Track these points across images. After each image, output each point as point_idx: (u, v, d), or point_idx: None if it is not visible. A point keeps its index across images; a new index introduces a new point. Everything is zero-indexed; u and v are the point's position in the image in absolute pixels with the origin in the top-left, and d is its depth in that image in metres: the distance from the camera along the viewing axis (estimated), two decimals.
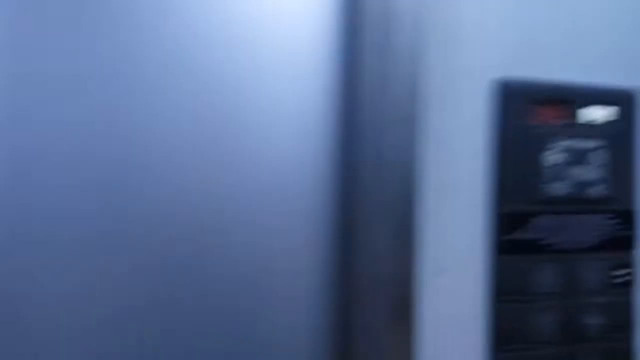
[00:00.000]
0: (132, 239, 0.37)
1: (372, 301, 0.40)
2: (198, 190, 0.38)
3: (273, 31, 0.39)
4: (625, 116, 0.45)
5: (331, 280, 0.42)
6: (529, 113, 0.42)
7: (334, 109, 0.42)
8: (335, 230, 0.42)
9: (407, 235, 0.39)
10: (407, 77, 0.38)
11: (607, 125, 0.44)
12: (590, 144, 0.43)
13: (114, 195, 0.37)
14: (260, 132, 0.40)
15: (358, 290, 0.42)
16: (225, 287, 0.39)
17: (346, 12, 0.41)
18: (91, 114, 0.36)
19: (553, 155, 0.42)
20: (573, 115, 0.43)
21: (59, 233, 0.36)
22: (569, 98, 0.43)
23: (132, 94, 0.37)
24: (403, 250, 0.39)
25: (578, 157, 0.43)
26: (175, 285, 0.38)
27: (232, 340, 0.40)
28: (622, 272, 0.45)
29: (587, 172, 0.43)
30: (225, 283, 0.39)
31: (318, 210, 0.42)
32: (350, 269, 0.42)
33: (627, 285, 0.45)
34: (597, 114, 0.44)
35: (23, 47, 0.35)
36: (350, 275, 0.41)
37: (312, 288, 0.41)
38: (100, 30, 0.36)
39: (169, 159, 0.38)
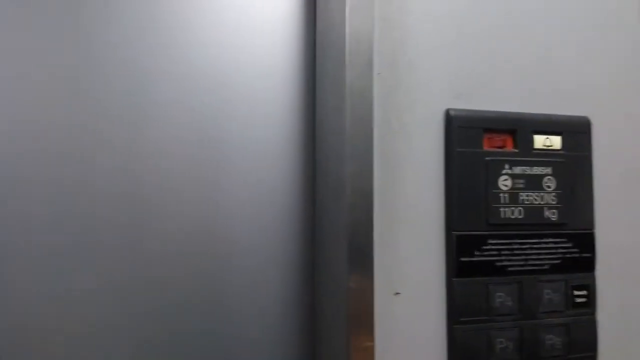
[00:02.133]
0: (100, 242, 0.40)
1: (333, 320, 0.41)
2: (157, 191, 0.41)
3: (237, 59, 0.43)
4: (581, 143, 0.48)
5: (297, 291, 0.44)
6: (478, 141, 0.44)
7: (297, 140, 0.44)
8: (300, 248, 0.44)
9: (367, 261, 0.41)
10: (360, 109, 0.41)
11: (562, 151, 0.47)
12: (543, 169, 0.46)
13: (86, 196, 0.40)
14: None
15: (321, 311, 0.43)
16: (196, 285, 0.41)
17: (305, 43, 0.45)
18: (59, 118, 0.40)
19: (504, 181, 0.44)
20: (523, 143, 0.46)
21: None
22: (521, 126, 0.46)
23: (99, 95, 0.40)
24: (361, 275, 0.40)
25: (531, 183, 0.45)
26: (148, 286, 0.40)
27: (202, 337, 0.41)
28: (579, 293, 0.46)
29: (540, 197, 0.46)
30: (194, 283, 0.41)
31: (286, 238, 0.44)
32: (312, 289, 0.43)
33: (585, 306, 0.46)
34: (549, 141, 0.47)
35: None
36: (313, 295, 0.43)
37: (280, 292, 0.43)
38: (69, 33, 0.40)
39: (135, 162, 0.41)
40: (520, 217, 0.45)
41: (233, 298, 0.44)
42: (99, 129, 0.42)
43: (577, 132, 0.48)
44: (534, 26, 0.47)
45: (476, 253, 0.44)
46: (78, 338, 0.41)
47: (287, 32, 0.46)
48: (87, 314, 0.41)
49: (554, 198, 0.46)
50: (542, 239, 0.45)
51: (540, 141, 0.46)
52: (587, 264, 0.47)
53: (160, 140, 0.43)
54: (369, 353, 0.40)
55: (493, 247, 0.44)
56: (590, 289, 0.47)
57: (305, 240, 0.46)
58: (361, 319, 0.40)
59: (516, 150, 0.45)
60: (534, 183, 0.45)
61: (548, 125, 0.46)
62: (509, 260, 0.44)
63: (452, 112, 0.44)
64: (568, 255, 0.46)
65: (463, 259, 0.43)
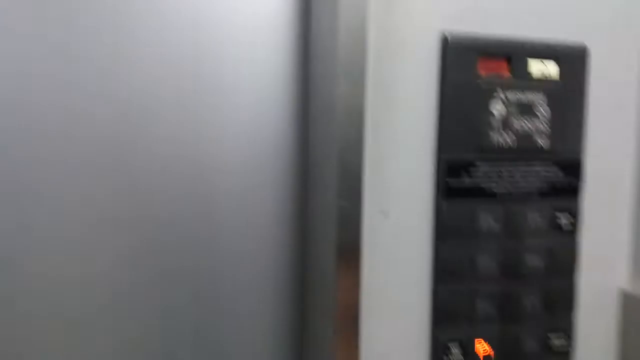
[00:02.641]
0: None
1: (323, 242, 0.43)
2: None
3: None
4: (576, 70, 0.48)
5: (289, 215, 0.45)
6: (473, 66, 0.44)
7: (290, 57, 0.44)
8: (292, 173, 0.45)
9: (356, 182, 0.42)
10: (355, 30, 0.40)
11: (557, 79, 0.47)
12: (534, 96, 0.46)
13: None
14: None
15: (311, 232, 0.45)
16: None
17: None
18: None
19: (497, 107, 0.45)
20: (518, 69, 0.46)
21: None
22: (515, 52, 0.45)
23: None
24: (350, 195, 0.42)
25: (523, 109, 0.46)
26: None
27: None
28: (563, 217, 0.48)
29: (532, 124, 0.46)
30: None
31: (277, 155, 0.45)
32: (304, 210, 0.45)
33: (569, 230, 0.48)
34: (545, 67, 0.46)
35: None
36: (304, 217, 0.45)
37: (270, 221, 0.45)
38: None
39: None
40: (510, 142, 0.45)
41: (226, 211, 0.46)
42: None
43: (573, 59, 0.47)
44: None
45: (464, 176, 0.45)
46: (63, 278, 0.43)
47: None
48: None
49: (545, 125, 0.46)
50: (530, 164, 0.46)
51: (535, 67, 0.46)
52: (572, 190, 0.48)
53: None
54: (356, 272, 0.42)
55: (481, 171, 0.45)
56: (574, 213, 0.48)
57: (297, 162, 0.47)
58: (349, 240, 0.41)
59: (510, 76, 0.45)
60: (527, 109, 0.46)
61: (544, 52, 0.46)
62: (497, 184, 0.46)
63: (448, 36, 0.44)
64: (555, 181, 0.47)
65: (451, 182, 0.44)
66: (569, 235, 0.48)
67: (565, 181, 0.48)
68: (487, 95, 0.45)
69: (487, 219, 0.45)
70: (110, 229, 0.43)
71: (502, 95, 0.45)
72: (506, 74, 0.45)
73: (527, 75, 0.46)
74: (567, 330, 0.49)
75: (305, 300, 0.48)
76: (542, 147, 0.46)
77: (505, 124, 0.45)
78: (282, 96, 0.46)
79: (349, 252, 0.41)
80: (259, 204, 0.46)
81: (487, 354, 0.46)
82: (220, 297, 0.46)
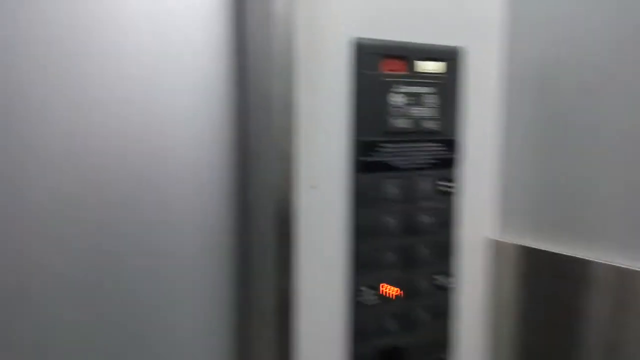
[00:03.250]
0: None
1: (261, 208, 0.52)
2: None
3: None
4: (453, 68, 0.60)
5: (229, 193, 0.54)
6: (378, 65, 0.55)
7: (225, 54, 0.52)
8: (232, 159, 0.53)
9: (288, 160, 0.51)
10: (284, 36, 0.49)
11: (439, 74, 0.59)
12: (424, 89, 0.58)
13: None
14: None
15: (251, 202, 0.54)
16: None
17: None
18: None
19: (395, 98, 0.56)
20: (412, 67, 0.57)
21: None
22: (409, 54, 0.57)
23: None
24: (284, 171, 0.51)
25: (415, 100, 0.57)
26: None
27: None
28: (446, 184, 0.61)
29: (422, 111, 0.58)
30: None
31: (218, 143, 0.53)
32: (245, 183, 0.53)
33: (449, 194, 0.62)
34: (430, 66, 0.59)
35: None
36: (246, 186, 0.53)
37: (214, 195, 0.53)
38: None
39: (58, 156, 0.46)
40: (407, 126, 0.57)
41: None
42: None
43: (453, 59, 0.60)
44: None
45: (373, 154, 0.56)
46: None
47: None
48: None
49: (432, 111, 0.59)
50: (422, 143, 0.59)
51: (425, 66, 0.58)
52: (451, 163, 0.62)
53: None
54: (289, 233, 0.51)
55: (386, 149, 0.56)
56: (453, 180, 0.62)
57: (238, 148, 0.55)
58: (284, 208, 0.51)
59: (406, 73, 0.57)
60: (419, 99, 0.58)
61: (432, 53, 0.58)
62: (398, 159, 0.57)
63: (360, 41, 0.54)
64: (439, 156, 0.60)
65: (363, 159, 0.55)
66: (449, 197, 0.62)
67: (446, 155, 0.61)
68: (388, 88, 0.56)
69: (390, 188, 0.57)
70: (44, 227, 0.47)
71: (400, 89, 0.56)
72: (403, 71, 0.57)
73: (419, 72, 0.57)
74: (449, 271, 0.63)
75: (249, 256, 0.57)
76: (430, 128, 0.59)
77: (403, 111, 0.57)
78: (222, 91, 0.53)
79: (284, 218, 0.51)
80: (204, 186, 0.54)
81: (397, 293, 0.59)
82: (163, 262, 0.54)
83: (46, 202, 0.46)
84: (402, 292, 0.59)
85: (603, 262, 0.54)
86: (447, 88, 0.60)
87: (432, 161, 0.60)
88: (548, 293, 0.61)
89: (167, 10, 0.50)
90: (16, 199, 0.45)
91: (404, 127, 0.57)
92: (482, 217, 0.66)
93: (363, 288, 0.57)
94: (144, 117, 0.50)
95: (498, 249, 0.67)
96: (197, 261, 0.54)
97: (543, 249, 0.61)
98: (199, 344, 0.55)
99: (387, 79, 0.55)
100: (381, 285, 0.58)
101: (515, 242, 0.65)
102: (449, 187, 0.62)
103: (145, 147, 0.50)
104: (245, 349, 0.56)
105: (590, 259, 0.56)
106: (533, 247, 0.63)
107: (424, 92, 0.58)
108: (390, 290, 0.59)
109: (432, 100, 0.59)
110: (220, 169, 0.54)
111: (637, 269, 0.52)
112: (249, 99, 0.52)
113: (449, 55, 0.59)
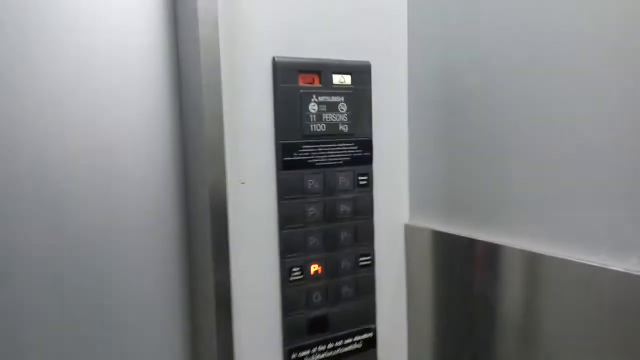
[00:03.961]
0: None
1: (199, 203, 0.62)
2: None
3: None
4: (362, 80, 0.72)
5: (172, 190, 0.63)
6: (295, 79, 0.66)
7: (165, 78, 0.62)
8: (174, 160, 0.63)
9: (220, 161, 0.61)
10: (209, 60, 0.59)
11: (349, 86, 0.70)
12: (337, 98, 0.69)
13: None
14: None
15: (191, 198, 0.63)
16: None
17: (166, 13, 0.61)
18: None
19: (312, 106, 0.67)
20: (325, 80, 0.68)
21: None
22: (322, 69, 0.68)
23: None
24: (217, 171, 0.60)
25: (329, 107, 0.68)
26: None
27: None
28: (362, 178, 0.72)
29: (336, 117, 0.69)
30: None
31: (158, 147, 0.62)
32: (185, 182, 0.63)
33: (366, 186, 0.73)
34: (343, 79, 0.70)
35: None
36: (186, 185, 0.63)
37: (160, 195, 0.62)
38: None
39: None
40: (323, 130, 0.68)
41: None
42: None
43: (361, 72, 0.71)
44: None
45: (295, 154, 0.66)
46: None
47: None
48: None
49: (345, 117, 0.70)
50: (337, 144, 0.70)
51: (336, 79, 0.69)
52: (367, 159, 0.73)
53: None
54: (224, 224, 0.61)
55: (305, 150, 0.67)
56: (369, 175, 0.73)
57: (177, 153, 0.64)
58: (218, 202, 0.60)
59: (320, 85, 0.68)
60: (332, 107, 0.69)
61: (342, 68, 0.69)
62: (316, 158, 0.68)
63: (276, 59, 0.64)
64: (355, 154, 0.71)
65: (286, 158, 0.66)
66: (366, 189, 0.73)
67: (361, 153, 0.72)
68: (305, 99, 0.67)
69: (311, 182, 0.68)
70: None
71: (315, 99, 0.67)
72: (317, 84, 0.68)
73: (331, 84, 0.69)
74: (370, 253, 0.74)
75: (190, 246, 0.66)
76: (344, 131, 0.70)
77: (319, 117, 0.68)
78: (163, 105, 0.63)
79: (219, 211, 0.61)
80: (150, 187, 0.63)
81: (322, 272, 0.69)
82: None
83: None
84: (327, 271, 0.70)
85: (497, 242, 0.63)
86: (357, 97, 0.71)
87: (348, 158, 0.71)
88: (456, 271, 0.72)
89: (109, 45, 0.59)
90: None
91: (320, 131, 0.68)
92: (396, 205, 0.77)
93: (293, 269, 0.67)
94: (95, 121, 0.59)
95: (412, 232, 0.78)
96: (148, 259, 0.63)
97: (450, 232, 0.72)
98: (154, 332, 0.64)
99: (303, 91, 0.66)
100: (309, 265, 0.68)
101: (426, 227, 0.76)
102: (364, 180, 0.72)
103: (95, 150, 0.59)
104: (194, 333, 0.65)
105: (481, 239, 0.66)
106: (442, 230, 0.73)
107: (336, 101, 0.69)
108: (316, 269, 0.69)
109: (344, 107, 0.70)
110: (165, 170, 0.63)
111: (538, 252, 0.58)
112: (185, 110, 0.62)
113: (358, 69, 0.71)
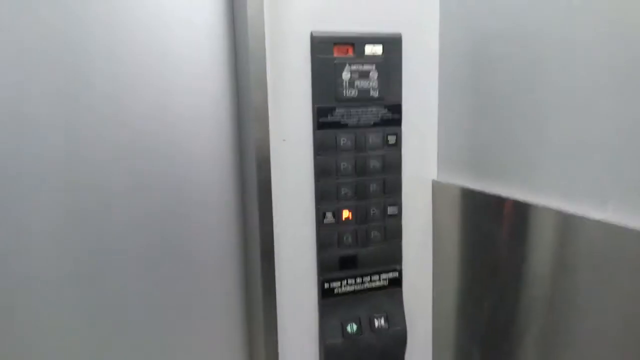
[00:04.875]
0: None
1: (248, 157, 0.75)
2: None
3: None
4: (394, 49, 0.80)
5: (226, 146, 0.77)
6: (330, 51, 0.76)
7: (222, 65, 0.74)
8: (230, 122, 0.76)
9: (265, 122, 0.73)
10: (257, 32, 0.70)
11: (382, 55, 0.79)
12: (369, 67, 0.78)
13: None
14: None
15: (242, 153, 0.77)
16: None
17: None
18: None
19: (345, 74, 0.77)
20: (359, 51, 0.78)
21: None
22: (356, 40, 0.77)
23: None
24: (262, 129, 0.73)
25: (361, 75, 0.78)
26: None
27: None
28: (391, 137, 0.82)
29: (367, 83, 0.79)
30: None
31: (217, 106, 0.76)
32: (236, 138, 0.76)
33: (395, 145, 0.82)
34: (375, 49, 0.79)
35: None
36: (237, 141, 0.76)
37: (216, 159, 0.76)
38: None
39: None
40: (355, 95, 0.78)
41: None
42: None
43: (392, 43, 0.80)
44: None
45: (329, 116, 0.77)
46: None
47: None
48: None
49: (376, 84, 0.79)
50: (368, 107, 0.79)
51: (368, 49, 0.78)
52: (396, 122, 0.82)
53: None
54: (268, 175, 0.73)
55: (338, 112, 0.78)
56: (397, 135, 0.82)
57: (230, 111, 0.78)
58: (263, 156, 0.73)
59: (353, 56, 0.77)
60: (364, 75, 0.78)
61: (373, 40, 0.78)
62: (349, 120, 0.78)
63: (314, 34, 0.75)
64: (384, 117, 0.81)
65: (321, 120, 0.77)
66: (395, 147, 0.82)
67: (390, 116, 0.81)
68: (340, 68, 0.77)
69: (344, 140, 0.78)
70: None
71: (348, 67, 0.77)
72: (351, 54, 0.77)
73: (363, 54, 0.78)
74: (397, 203, 0.84)
75: (242, 194, 0.80)
76: (374, 97, 0.79)
77: (351, 84, 0.78)
78: (219, 75, 0.76)
79: (264, 164, 0.73)
80: (209, 147, 0.77)
81: (352, 218, 0.80)
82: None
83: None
84: (357, 217, 0.81)
85: (531, 202, 0.66)
86: (388, 65, 0.80)
87: (377, 120, 0.80)
88: (483, 228, 0.80)
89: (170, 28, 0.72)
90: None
91: (352, 96, 0.78)
92: (424, 162, 0.86)
93: (327, 213, 0.79)
94: (157, 111, 0.73)
95: (439, 188, 0.87)
96: (210, 207, 0.78)
97: (478, 189, 0.79)
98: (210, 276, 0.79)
99: (337, 62, 0.76)
100: (340, 211, 0.80)
101: (453, 183, 0.84)
102: (393, 139, 0.82)
103: (167, 123, 0.74)
104: (244, 268, 0.80)
105: (512, 197, 0.73)
106: (469, 187, 0.81)
107: (367, 69, 0.78)
108: (347, 215, 0.80)
109: (375, 75, 0.79)
110: (221, 129, 0.77)
111: (572, 213, 0.59)
112: (236, 78, 0.75)
113: (389, 40, 0.79)
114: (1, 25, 0.65)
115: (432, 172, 0.88)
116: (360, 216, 0.81)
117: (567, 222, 0.61)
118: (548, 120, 0.65)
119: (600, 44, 0.57)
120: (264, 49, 0.71)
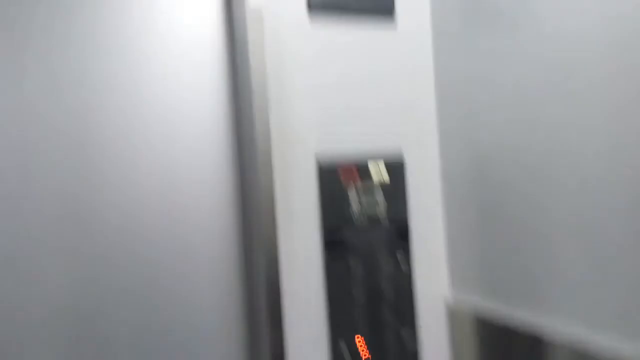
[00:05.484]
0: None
1: (257, 287, 0.70)
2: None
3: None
4: (398, 174, 0.81)
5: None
6: (336, 172, 0.76)
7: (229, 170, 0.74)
8: (236, 245, 0.73)
9: (273, 240, 0.70)
10: (264, 154, 0.70)
11: (387, 179, 0.79)
12: (376, 189, 0.78)
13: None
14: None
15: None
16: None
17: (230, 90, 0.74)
18: None
19: (353, 197, 0.76)
20: (365, 174, 0.78)
21: None
22: (362, 162, 0.78)
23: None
24: (271, 252, 0.70)
25: (369, 197, 0.78)
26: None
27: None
28: (402, 257, 0.79)
29: (376, 205, 0.78)
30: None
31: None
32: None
33: (406, 263, 0.79)
34: (380, 171, 0.79)
35: None
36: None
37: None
38: None
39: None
40: (364, 215, 0.77)
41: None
42: None
43: (396, 167, 0.81)
44: (369, 88, 0.80)
45: (338, 235, 0.75)
46: None
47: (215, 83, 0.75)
48: None
49: (383, 204, 0.78)
50: (376, 228, 0.78)
51: (373, 172, 0.78)
52: (405, 240, 0.80)
53: None
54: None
55: (346, 232, 0.76)
56: (407, 252, 0.80)
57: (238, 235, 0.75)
58: (275, 288, 0.69)
59: (359, 179, 0.77)
60: (371, 197, 0.78)
61: (378, 159, 0.79)
62: (357, 240, 0.76)
63: (317, 155, 0.75)
64: (393, 236, 0.79)
65: (330, 239, 0.74)
66: (405, 266, 0.79)
67: (399, 236, 0.79)
68: (346, 190, 0.76)
69: (353, 261, 0.75)
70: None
71: (355, 190, 0.77)
72: (356, 177, 0.77)
73: (369, 177, 0.78)
74: (412, 323, 0.79)
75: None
76: (381, 217, 0.78)
77: (360, 205, 0.77)
78: (229, 192, 0.74)
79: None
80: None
81: (368, 356, 0.74)
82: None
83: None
84: (373, 346, 0.75)
85: (547, 338, 0.63)
86: (393, 189, 0.80)
87: (386, 240, 0.78)
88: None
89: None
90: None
91: (361, 217, 0.77)
92: (436, 281, 0.83)
93: (341, 344, 0.73)
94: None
95: (451, 304, 0.82)
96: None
97: (491, 306, 0.76)
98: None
99: (345, 184, 0.76)
100: (356, 337, 0.74)
101: (468, 304, 0.79)
102: (405, 258, 0.79)
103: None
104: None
105: (527, 329, 0.69)
106: (483, 305, 0.77)
107: (374, 191, 0.78)
108: (362, 346, 0.74)
109: (381, 195, 0.79)
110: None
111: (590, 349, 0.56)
112: (246, 199, 0.73)
113: (394, 163, 0.80)
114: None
115: (443, 289, 0.84)
116: (377, 341, 0.75)
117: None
118: (556, 240, 0.64)
119: (602, 157, 0.58)
120: (271, 174, 0.70)
